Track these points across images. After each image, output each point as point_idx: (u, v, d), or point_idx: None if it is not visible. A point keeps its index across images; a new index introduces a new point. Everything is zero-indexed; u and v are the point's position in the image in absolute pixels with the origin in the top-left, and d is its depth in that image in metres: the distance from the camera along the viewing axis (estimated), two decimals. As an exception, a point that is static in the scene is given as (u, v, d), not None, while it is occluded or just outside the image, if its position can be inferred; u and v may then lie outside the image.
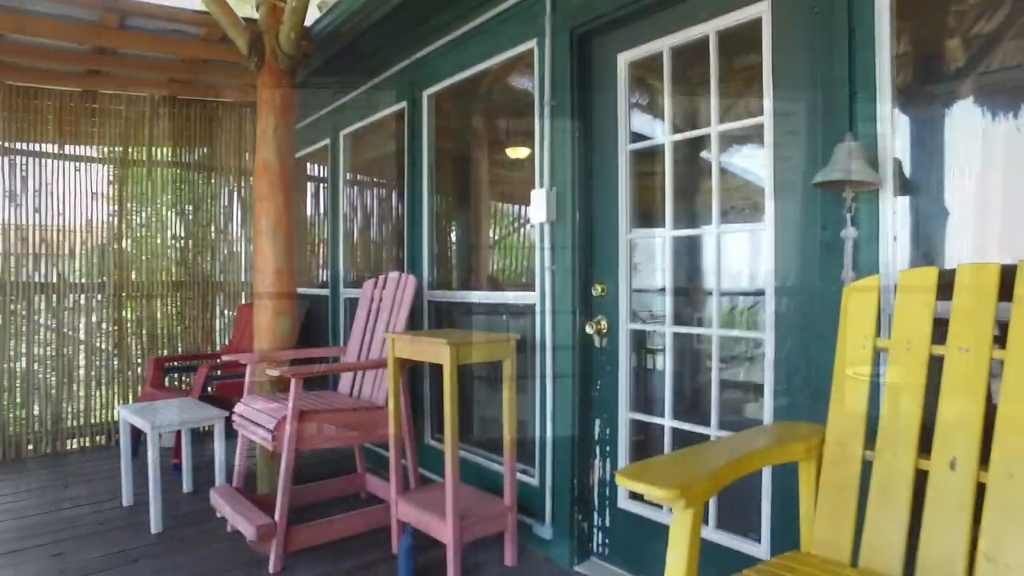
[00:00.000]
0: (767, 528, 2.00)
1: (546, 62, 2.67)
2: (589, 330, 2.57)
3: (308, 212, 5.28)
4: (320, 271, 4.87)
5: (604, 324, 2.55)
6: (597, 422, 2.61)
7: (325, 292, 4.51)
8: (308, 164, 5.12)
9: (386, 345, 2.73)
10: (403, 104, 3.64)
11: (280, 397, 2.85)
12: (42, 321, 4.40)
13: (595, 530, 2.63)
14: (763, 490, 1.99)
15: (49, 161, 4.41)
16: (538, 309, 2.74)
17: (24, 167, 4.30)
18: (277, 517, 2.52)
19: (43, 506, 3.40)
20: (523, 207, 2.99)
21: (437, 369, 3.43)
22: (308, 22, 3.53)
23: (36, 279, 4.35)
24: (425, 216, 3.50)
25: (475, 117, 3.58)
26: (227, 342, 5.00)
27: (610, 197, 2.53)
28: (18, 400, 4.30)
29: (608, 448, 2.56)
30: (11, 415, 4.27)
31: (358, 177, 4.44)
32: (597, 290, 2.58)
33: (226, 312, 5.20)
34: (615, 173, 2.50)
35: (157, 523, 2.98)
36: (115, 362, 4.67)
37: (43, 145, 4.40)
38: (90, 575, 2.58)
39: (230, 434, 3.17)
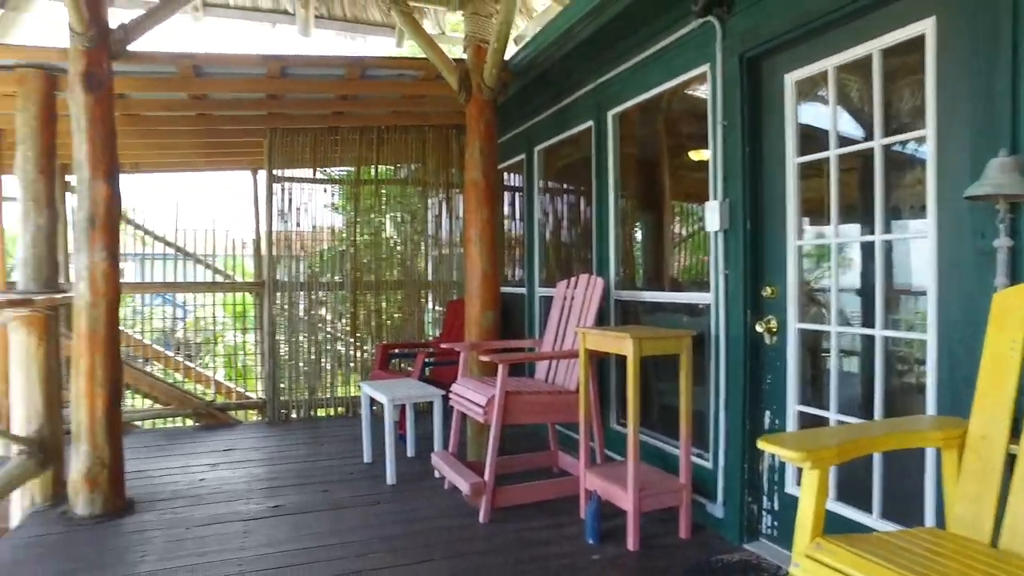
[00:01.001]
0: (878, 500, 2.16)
1: (718, 84, 2.94)
2: (759, 328, 2.81)
3: (504, 218, 5.95)
4: (515, 270, 5.49)
5: (774, 323, 2.77)
6: (767, 413, 2.84)
7: (520, 290, 5.12)
8: (505, 175, 5.78)
9: (577, 338, 3.19)
10: (590, 123, 4.08)
11: (488, 380, 3.44)
12: (300, 313, 5.51)
13: (764, 512, 2.86)
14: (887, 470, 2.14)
15: (306, 184, 5.52)
16: (712, 308, 3.03)
17: (289, 190, 5.43)
18: (487, 478, 3.10)
19: (308, 457, 4.37)
20: (699, 207, 3.27)
21: (622, 361, 3.84)
22: (507, 56, 4.09)
23: (298, 279, 5.47)
24: (611, 222, 3.90)
25: (656, 127, 3.90)
26: (438, 333, 5.82)
27: (778, 206, 2.75)
28: (286, 376, 5.45)
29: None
30: (282, 387, 5.43)
31: (548, 185, 4.95)
32: (767, 292, 2.81)
33: (435, 307, 6.04)
34: (783, 184, 2.72)
35: (391, 477, 3.73)
36: (351, 348, 5.69)
37: (300, 171, 5.51)
38: (349, 507, 3.38)
39: (445, 410, 3.85)
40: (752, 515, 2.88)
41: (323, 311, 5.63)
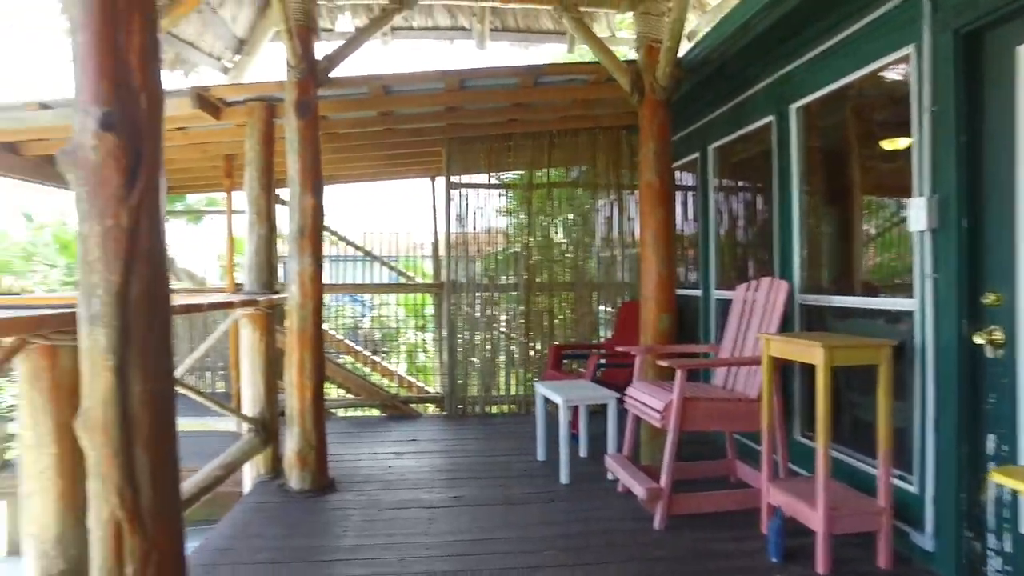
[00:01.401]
0: None
1: (924, 66, 2.63)
2: (979, 340, 2.47)
3: (677, 219, 5.79)
4: (687, 272, 5.33)
5: (999, 334, 2.42)
6: (990, 438, 2.49)
7: (694, 292, 4.95)
8: (676, 174, 5.62)
9: (759, 344, 3.02)
10: (770, 117, 3.84)
11: (664, 384, 3.37)
12: (476, 313, 5.78)
13: (990, 552, 2.51)
14: None
15: (481, 189, 5.78)
16: (916, 316, 2.72)
17: (465, 195, 5.73)
18: (663, 483, 3.04)
19: (484, 451, 4.57)
20: (895, 202, 2.96)
21: (807, 369, 3.58)
22: (679, 53, 3.98)
23: (474, 280, 5.75)
24: (795, 220, 3.64)
25: (844, 118, 3.59)
26: (609, 335, 5.81)
27: (1005, 201, 2.40)
28: (463, 373, 5.75)
29: (1005, 466, 2.43)
30: (459, 384, 5.73)
31: (723, 183, 4.75)
32: (989, 299, 2.46)
33: (605, 309, 6.03)
34: (1011, 175, 2.37)
35: (565, 475, 3.78)
36: (523, 348, 5.86)
37: (476, 177, 5.78)
38: (524, 503, 3.49)
39: (619, 412, 3.84)
40: (974, 553, 2.53)
41: (497, 311, 5.85)
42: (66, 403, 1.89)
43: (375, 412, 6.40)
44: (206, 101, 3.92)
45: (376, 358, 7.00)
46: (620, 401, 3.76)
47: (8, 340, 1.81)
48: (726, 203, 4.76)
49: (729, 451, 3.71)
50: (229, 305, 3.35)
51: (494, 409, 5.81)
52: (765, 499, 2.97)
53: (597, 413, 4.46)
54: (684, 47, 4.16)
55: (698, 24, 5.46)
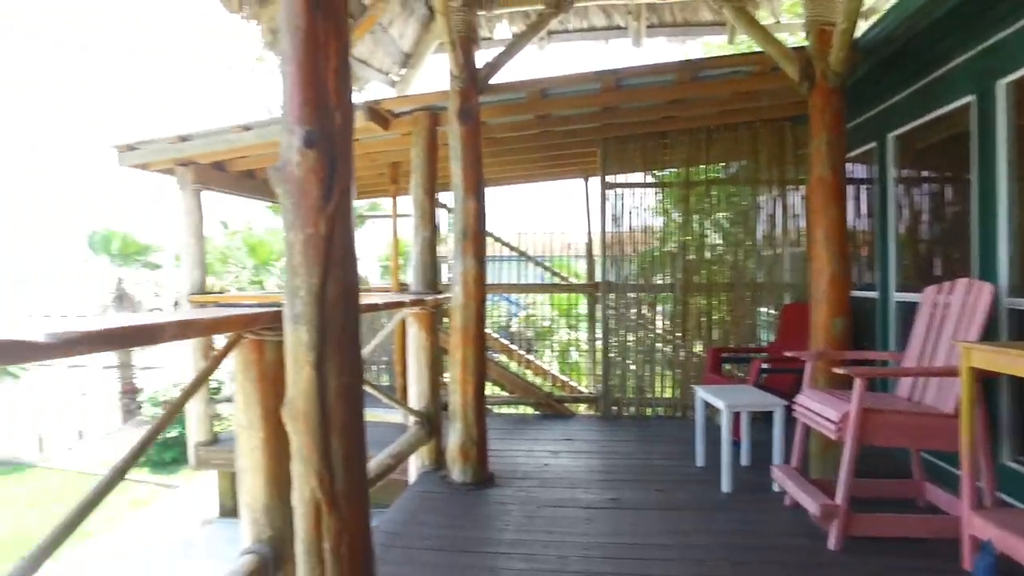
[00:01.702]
0: None
1: None
2: None
3: (848, 214, 5.33)
4: (860, 273, 4.89)
5: None
6: None
7: (869, 294, 4.53)
8: (847, 166, 5.17)
9: (954, 353, 2.70)
10: (968, 98, 3.42)
11: (839, 393, 3.12)
12: (631, 314, 5.71)
13: None
14: None
15: (636, 188, 5.70)
16: None
17: (621, 194, 5.68)
18: (839, 500, 2.82)
19: (640, 454, 4.50)
20: None
21: (1017, 383, 3.14)
22: (855, 35, 3.66)
23: (629, 280, 5.68)
24: (1001, 215, 3.21)
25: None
26: (769, 339, 5.49)
27: None
28: (618, 373, 5.71)
29: None
30: (613, 385, 5.70)
31: (903, 174, 4.30)
32: None
33: (767, 311, 5.70)
34: None
35: (727, 484, 3.63)
36: (679, 349, 5.70)
37: (631, 176, 5.71)
38: (684, 510, 3.39)
39: (786, 421, 3.61)
40: None
41: (652, 312, 5.74)
42: (271, 392, 2.11)
43: (528, 410, 6.54)
44: (377, 113, 4.22)
45: (530, 356, 7.15)
46: (787, 409, 3.53)
47: (228, 336, 2.06)
48: (907, 196, 4.30)
49: (915, 471, 3.35)
50: (401, 305, 3.58)
51: (648, 411, 5.71)
52: (967, 530, 2.64)
53: (758, 420, 4.23)
54: (860, 27, 3.83)
55: (875, 1, 4.98)
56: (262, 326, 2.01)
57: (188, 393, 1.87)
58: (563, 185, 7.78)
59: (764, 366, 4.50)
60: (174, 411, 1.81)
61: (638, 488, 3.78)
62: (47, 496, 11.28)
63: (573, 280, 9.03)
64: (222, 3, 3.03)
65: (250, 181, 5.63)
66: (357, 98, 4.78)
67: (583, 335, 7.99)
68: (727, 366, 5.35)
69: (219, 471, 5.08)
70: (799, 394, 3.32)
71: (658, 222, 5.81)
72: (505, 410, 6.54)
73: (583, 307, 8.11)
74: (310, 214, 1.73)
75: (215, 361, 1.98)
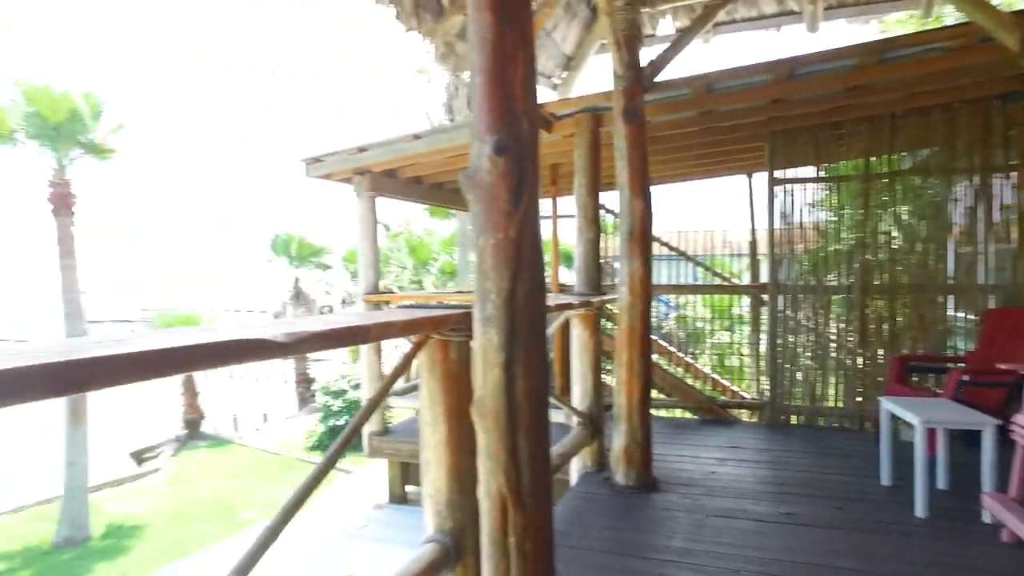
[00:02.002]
0: None
1: None
2: None
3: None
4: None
5: None
6: None
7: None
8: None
9: None
10: None
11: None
12: (801, 317, 5.35)
13: None
14: None
15: (808, 184, 5.33)
16: None
17: (791, 191, 5.33)
18: (1073, 536, 2.45)
19: (815, 467, 4.20)
20: None
21: None
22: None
23: (799, 281, 5.33)
24: None
25: None
26: (968, 347, 4.89)
27: None
28: (786, 379, 5.38)
29: None
30: (780, 392, 5.37)
31: None
32: None
33: (965, 316, 5.08)
34: None
35: (921, 508, 3.28)
36: (856, 356, 5.24)
37: (801, 171, 5.34)
38: (870, 532, 3.12)
39: (997, 442, 3.19)
40: None
41: (825, 315, 5.34)
42: (455, 390, 2.21)
43: (687, 414, 6.35)
44: (540, 117, 4.29)
45: (689, 359, 6.93)
46: (1001, 430, 3.12)
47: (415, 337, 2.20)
48: None
49: None
50: (570, 306, 3.62)
51: (820, 421, 5.31)
52: None
53: (957, 439, 3.78)
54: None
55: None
56: (449, 327, 2.11)
57: (384, 388, 2.02)
58: (723, 182, 7.43)
59: (964, 378, 4.01)
60: (373, 407, 1.95)
61: (814, 504, 3.53)
62: (242, 469, 12.74)
63: (734, 281, 8.64)
64: (400, 20, 3.23)
65: (417, 186, 5.96)
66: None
67: (741, 337, 7.62)
68: (913, 376, 4.84)
69: (389, 460, 5.45)
70: (1019, 413, 2.92)
71: (831, 219, 5.38)
72: (663, 413, 6.40)
73: (738, 308, 7.75)
74: (500, 219, 1.79)
75: (407, 360, 2.12)
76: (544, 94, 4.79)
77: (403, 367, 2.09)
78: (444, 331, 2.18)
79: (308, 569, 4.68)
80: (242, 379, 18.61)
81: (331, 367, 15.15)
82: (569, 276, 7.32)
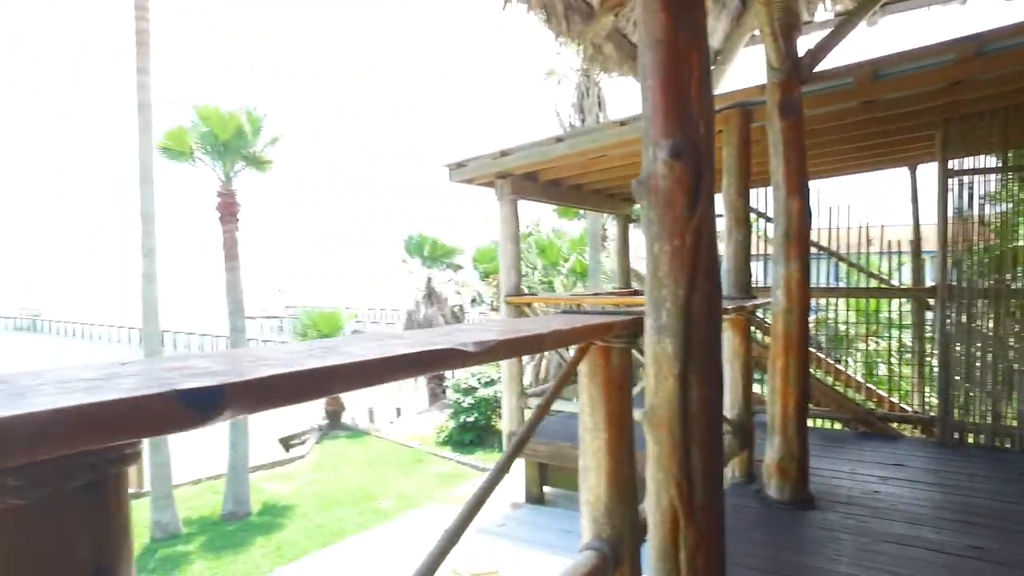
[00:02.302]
0: None
1: None
2: None
3: None
4: None
5: None
6: None
7: None
8: None
9: None
10: None
11: None
12: (978, 323, 4.80)
13: None
14: None
15: (991, 174, 4.77)
16: None
17: (969, 183, 4.80)
18: None
19: (1004, 496, 3.74)
20: None
21: None
22: None
23: (977, 283, 4.78)
24: None
25: None
26: None
27: None
28: (961, 393, 4.85)
29: None
30: (954, 406, 4.86)
31: None
32: None
33: None
34: None
35: None
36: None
37: (980, 160, 4.79)
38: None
39: None
40: None
41: (1010, 322, 4.76)
42: (615, 396, 2.18)
43: (836, 424, 5.93)
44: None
45: (839, 366, 6.46)
46: None
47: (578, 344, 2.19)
48: None
49: None
50: (725, 312, 3.48)
51: (1007, 443, 4.74)
52: None
53: None
54: None
55: None
56: (614, 334, 2.09)
57: (552, 396, 2.02)
58: (873, 176, 6.85)
59: None
60: (541, 414, 1.96)
61: (1009, 539, 3.15)
62: (377, 459, 13.45)
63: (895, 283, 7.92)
64: (548, 25, 3.24)
65: (555, 189, 5.99)
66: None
67: (893, 343, 6.97)
68: None
69: (527, 460, 5.52)
70: None
71: (1017, 213, 4.78)
72: (811, 423, 5.99)
73: (888, 311, 7.10)
74: (676, 226, 1.74)
75: (571, 366, 2.11)
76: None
77: (568, 373, 2.09)
78: (608, 338, 2.15)
79: (445, 564, 4.85)
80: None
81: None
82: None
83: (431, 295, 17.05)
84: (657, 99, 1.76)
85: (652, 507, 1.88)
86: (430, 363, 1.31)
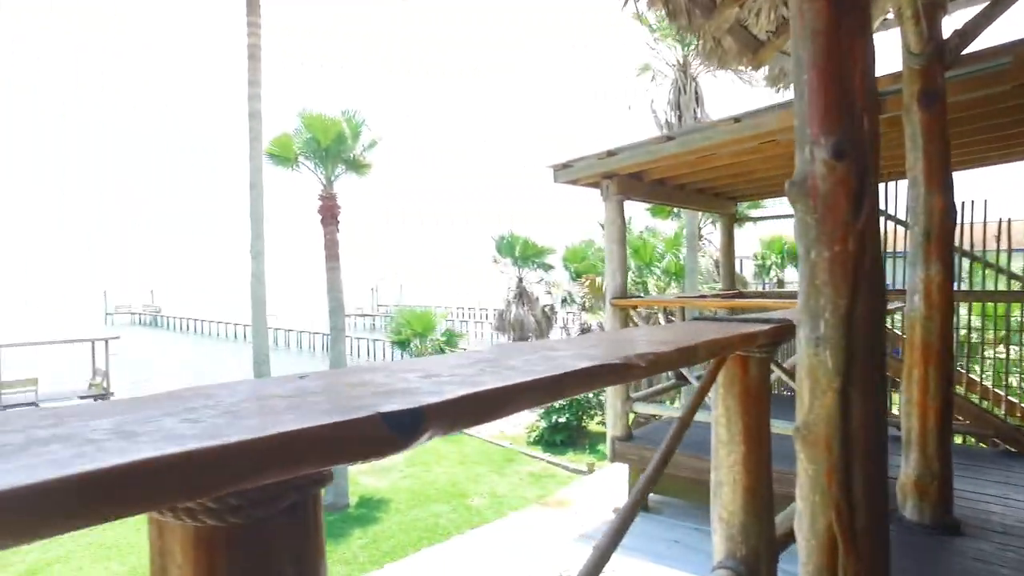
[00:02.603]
0: None
1: None
2: None
3: None
4: None
5: None
6: None
7: None
8: None
9: None
10: None
11: None
12: None
13: None
14: None
15: None
16: None
17: None
18: None
19: None
20: None
21: None
22: None
23: None
24: None
25: None
26: None
27: None
28: None
29: None
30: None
31: None
32: None
33: None
34: None
35: None
36: None
37: None
38: None
39: None
40: None
41: None
42: (753, 408, 2.06)
43: (970, 440, 5.46)
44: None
45: (974, 376, 5.94)
46: None
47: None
48: None
49: None
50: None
51: None
52: None
53: None
54: None
55: None
56: (758, 343, 1.97)
57: (692, 410, 1.93)
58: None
59: None
60: (682, 429, 1.88)
61: None
62: (470, 457, 13.63)
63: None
64: (671, 18, 3.13)
65: (660, 188, 5.83)
66: (775, 96, 4.55)
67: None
68: None
69: (631, 465, 5.40)
70: None
71: None
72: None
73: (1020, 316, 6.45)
74: (837, 230, 1.61)
75: (711, 376, 2.01)
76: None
77: (707, 386, 1.99)
78: (752, 348, 2.04)
79: (545, 568, 4.81)
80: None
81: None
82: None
83: (522, 295, 17.11)
84: (815, 94, 1.64)
85: (805, 531, 1.76)
86: (604, 378, 1.27)
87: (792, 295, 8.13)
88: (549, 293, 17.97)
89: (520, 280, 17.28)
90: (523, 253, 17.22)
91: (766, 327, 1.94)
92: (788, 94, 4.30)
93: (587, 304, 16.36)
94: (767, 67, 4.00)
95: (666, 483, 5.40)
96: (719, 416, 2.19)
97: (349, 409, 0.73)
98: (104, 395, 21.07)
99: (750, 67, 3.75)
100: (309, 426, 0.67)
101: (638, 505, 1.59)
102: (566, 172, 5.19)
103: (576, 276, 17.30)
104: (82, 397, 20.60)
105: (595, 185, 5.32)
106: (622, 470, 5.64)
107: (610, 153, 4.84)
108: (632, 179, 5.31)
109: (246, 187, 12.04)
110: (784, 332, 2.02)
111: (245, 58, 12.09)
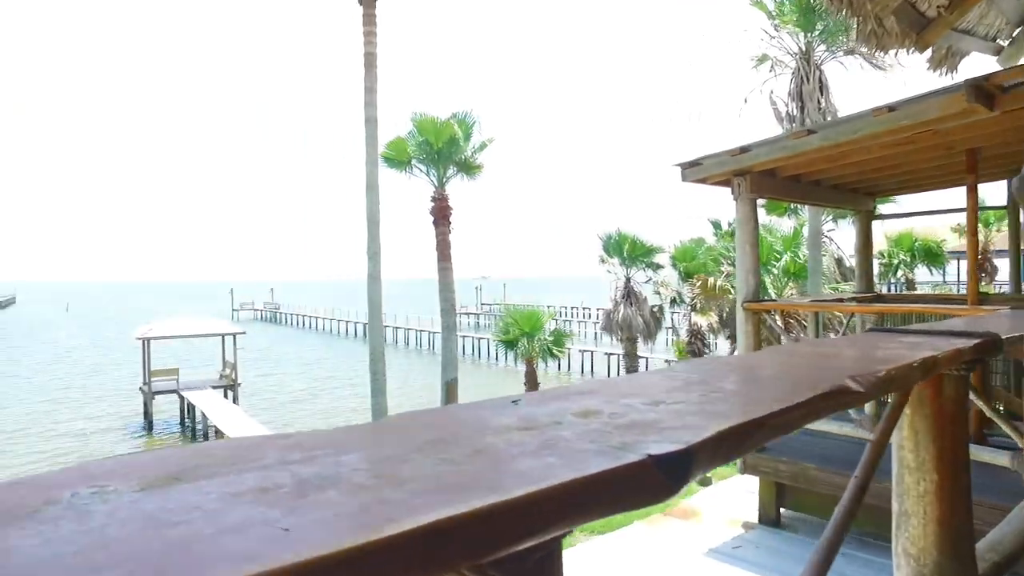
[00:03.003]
0: None
1: None
2: None
3: None
4: None
5: None
6: None
7: None
8: None
9: None
10: None
11: None
12: None
13: None
14: None
15: None
16: None
17: None
18: None
19: None
20: None
21: None
22: None
23: None
24: None
25: None
26: None
27: None
28: None
29: None
30: None
31: None
32: None
33: None
34: None
35: None
36: None
37: None
38: None
39: None
40: None
41: None
42: (948, 431, 1.85)
43: None
44: (983, 92, 3.51)
45: None
46: None
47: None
48: None
49: None
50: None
51: None
52: None
53: None
54: None
55: None
56: (962, 360, 1.76)
57: (886, 434, 1.74)
58: None
59: None
60: (878, 452, 1.69)
61: None
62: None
63: None
64: (829, 3, 2.89)
65: (794, 185, 5.47)
66: (946, 80, 4.14)
67: None
68: None
69: (762, 478, 5.09)
70: None
71: None
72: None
73: None
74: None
75: (899, 406, 1.81)
76: (982, 62, 3.93)
77: (900, 407, 1.79)
78: (956, 367, 1.83)
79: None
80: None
81: (655, 364, 15.17)
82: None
83: (630, 295, 16.76)
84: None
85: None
86: (821, 408, 1.14)
87: (942, 298, 7.42)
88: (658, 293, 17.51)
89: (628, 280, 16.94)
90: (631, 252, 16.85)
91: (970, 343, 1.72)
92: (955, 78, 3.88)
93: (698, 305, 15.80)
94: (931, 49, 3.60)
95: (800, 498, 5.06)
96: (906, 440, 1.99)
97: (607, 450, 0.66)
98: (233, 385, 22.71)
99: (913, 49, 3.40)
100: (585, 474, 0.59)
101: (837, 545, 1.44)
102: (695, 171, 4.95)
103: (686, 276, 16.77)
104: (214, 387, 22.32)
105: (725, 184, 5.04)
106: (751, 482, 5.33)
107: (743, 149, 4.56)
108: (765, 176, 4.98)
109: (361, 190, 12.50)
110: (990, 348, 1.79)
111: (362, 66, 12.57)
